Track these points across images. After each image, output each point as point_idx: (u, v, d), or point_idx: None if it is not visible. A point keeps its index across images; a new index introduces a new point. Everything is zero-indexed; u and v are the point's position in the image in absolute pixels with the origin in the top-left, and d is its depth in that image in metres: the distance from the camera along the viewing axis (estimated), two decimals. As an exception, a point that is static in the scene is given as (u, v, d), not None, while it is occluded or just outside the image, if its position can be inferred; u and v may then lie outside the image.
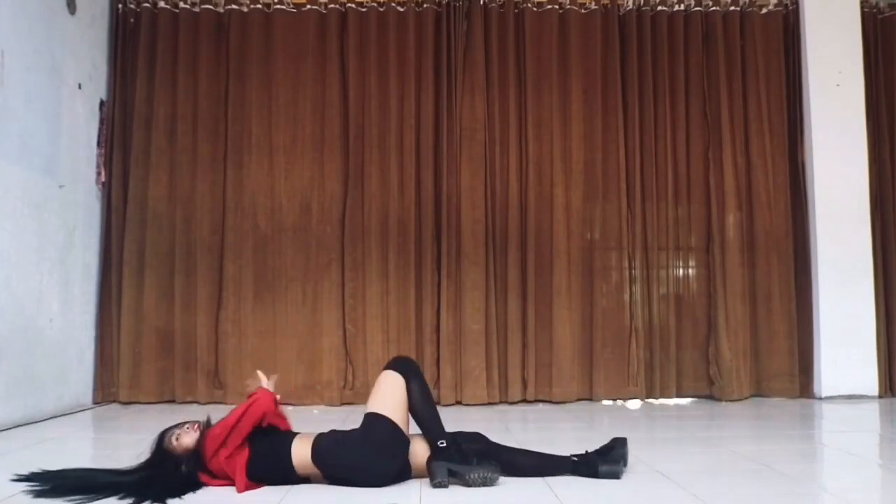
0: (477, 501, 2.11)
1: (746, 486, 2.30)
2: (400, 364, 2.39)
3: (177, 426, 2.28)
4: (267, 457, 2.22)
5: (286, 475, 2.25)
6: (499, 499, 2.13)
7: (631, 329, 4.45)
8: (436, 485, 2.21)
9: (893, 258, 4.62)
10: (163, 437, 2.25)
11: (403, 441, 2.29)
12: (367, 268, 4.41)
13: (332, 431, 2.34)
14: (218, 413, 3.88)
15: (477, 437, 2.44)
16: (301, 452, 2.24)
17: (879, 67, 4.72)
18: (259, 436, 2.25)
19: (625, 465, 2.39)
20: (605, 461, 2.34)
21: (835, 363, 4.37)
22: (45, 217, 3.77)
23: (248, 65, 4.52)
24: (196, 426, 2.27)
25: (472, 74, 4.52)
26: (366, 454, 2.23)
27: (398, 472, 2.29)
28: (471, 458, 2.24)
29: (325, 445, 2.25)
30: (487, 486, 2.21)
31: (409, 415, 2.32)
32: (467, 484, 2.21)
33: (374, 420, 2.27)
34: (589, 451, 2.41)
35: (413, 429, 2.35)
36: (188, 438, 2.22)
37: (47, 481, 2.14)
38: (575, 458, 2.38)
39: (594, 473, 2.32)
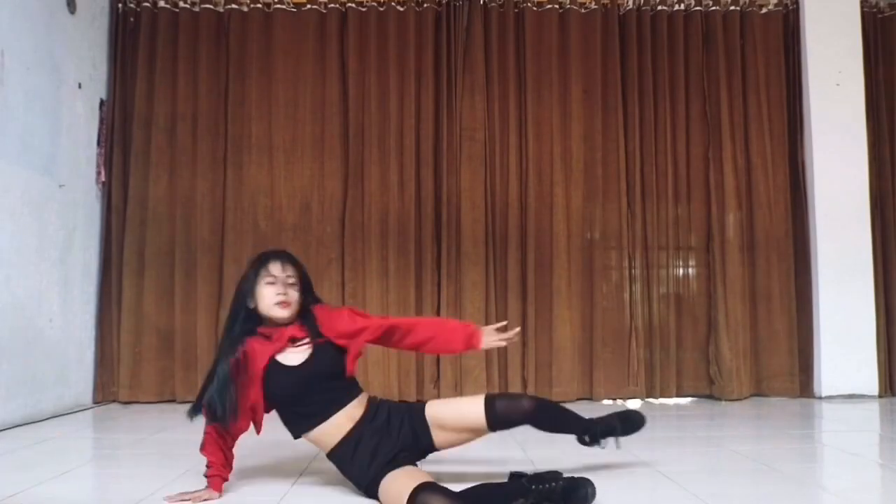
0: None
1: (746, 485, 2.31)
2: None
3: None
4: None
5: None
6: (499, 499, 2.13)
7: (631, 329, 4.45)
8: None
9: (893, 258, 4.62)
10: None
11: None
12: (367, 267, 4.41)
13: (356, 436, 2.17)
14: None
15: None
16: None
17: (879, 67, 4.72)
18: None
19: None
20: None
21: (835, 363, 4.37)
22: (45, 217, 3.77)
23: (248, 64, 4.52)
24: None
25: (472, 74, 4.52)
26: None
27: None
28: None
29: (341, 455, 2.16)
30: None
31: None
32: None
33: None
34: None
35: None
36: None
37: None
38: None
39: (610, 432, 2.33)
